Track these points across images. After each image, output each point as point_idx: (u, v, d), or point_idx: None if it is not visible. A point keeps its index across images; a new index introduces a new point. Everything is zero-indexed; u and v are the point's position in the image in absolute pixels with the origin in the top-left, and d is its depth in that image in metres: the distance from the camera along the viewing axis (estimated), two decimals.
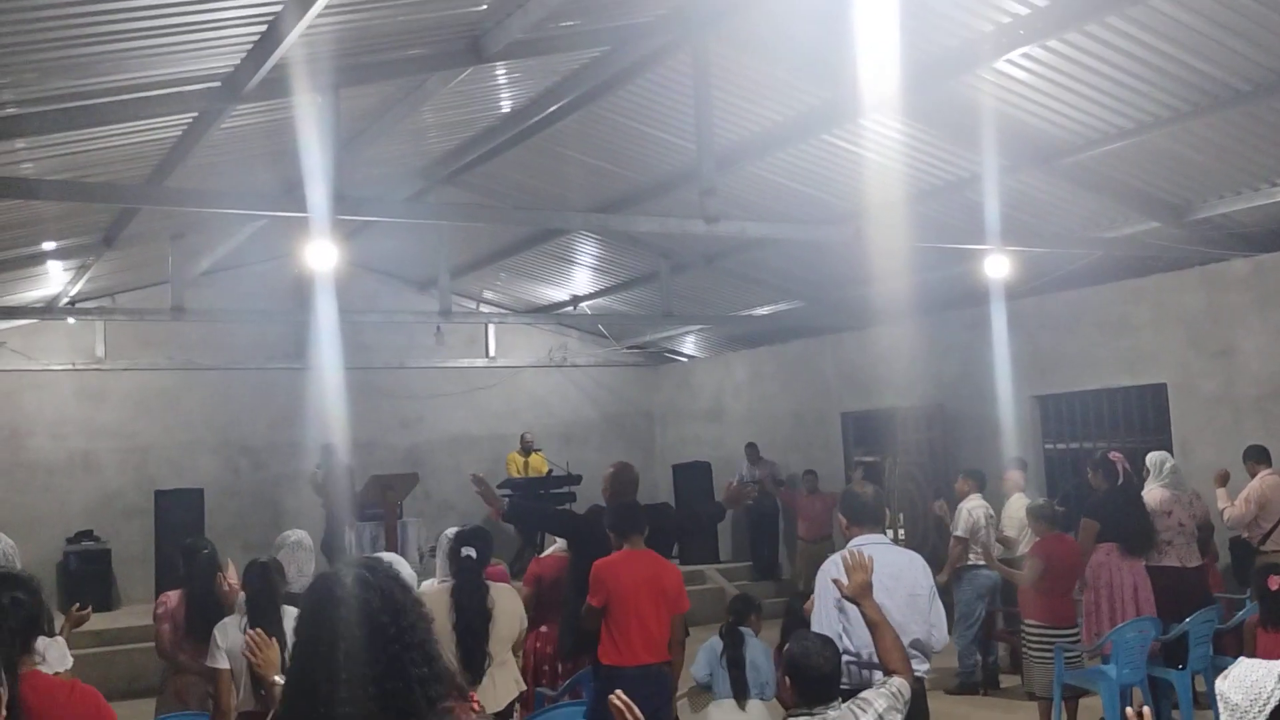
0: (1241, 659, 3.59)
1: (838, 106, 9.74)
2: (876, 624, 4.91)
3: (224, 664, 5.66)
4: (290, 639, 5.55)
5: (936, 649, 5.59)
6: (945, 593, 7.76)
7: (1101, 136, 9.59)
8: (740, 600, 8.39)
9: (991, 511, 10.71)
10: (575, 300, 18.03)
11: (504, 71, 9.84)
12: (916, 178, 11.01)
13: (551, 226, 13.67)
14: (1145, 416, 12.25)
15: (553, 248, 15.65)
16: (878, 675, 4.95)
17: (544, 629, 7.84)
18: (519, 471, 17.50)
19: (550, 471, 17.21)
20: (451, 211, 12.64)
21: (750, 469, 16.87)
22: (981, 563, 10.46)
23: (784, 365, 17.68)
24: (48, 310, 15.30)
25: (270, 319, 16.76)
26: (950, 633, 6.57)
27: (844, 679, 4.92)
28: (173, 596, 6.84)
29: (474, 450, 18.51)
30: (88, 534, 15.97)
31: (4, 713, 2.80)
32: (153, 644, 6.99)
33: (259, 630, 3.93)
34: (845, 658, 5.08)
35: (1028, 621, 8.94)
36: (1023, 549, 10.14)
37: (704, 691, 7.55)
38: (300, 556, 6.75)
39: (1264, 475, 9.75)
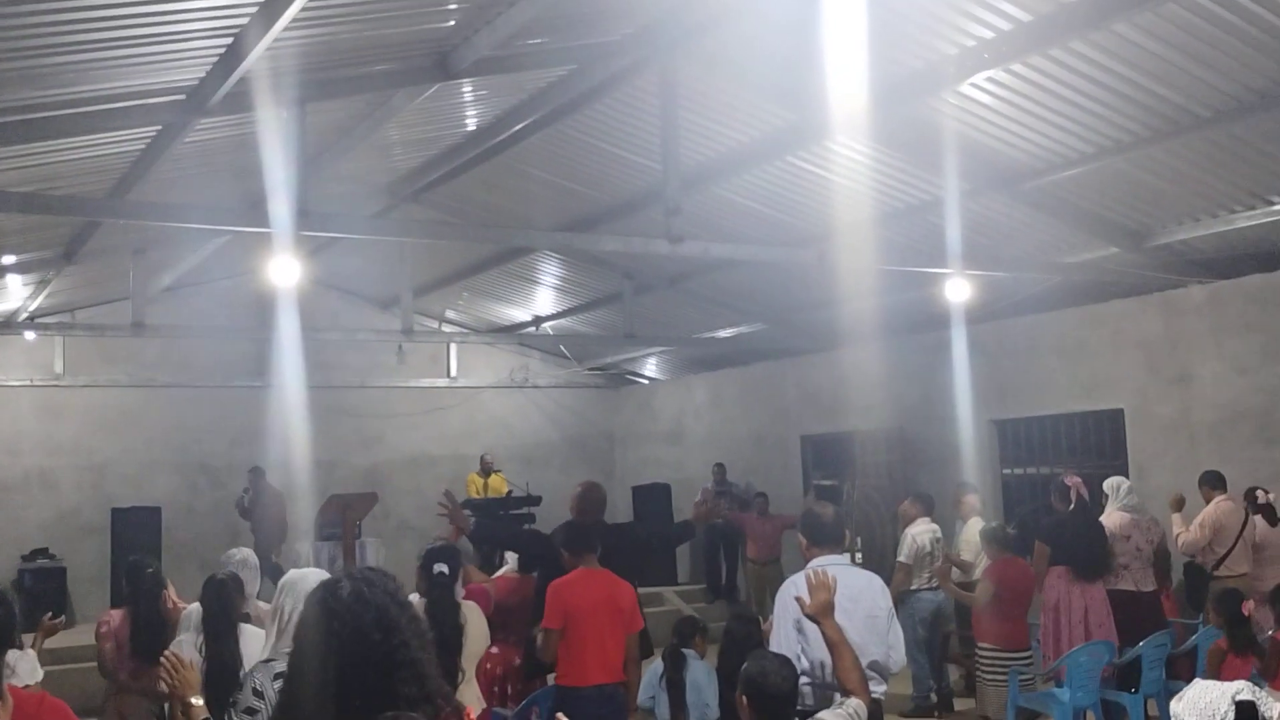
0: (1196, 680, 3.63)
1: (803, 128, 9.78)
2: (836, 644, 4.92)
3: None
4: (244, 657, 5.53)
5: (894, 670, 5.60)
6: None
7: (1062, 161, 9.63)
8: (685, 623, 8.50)
9: (939, 535, 10.71)
10: (537, 320, 18.01)
11: (470, 89, 9.84)
12: (880, 201, 11.04)
13: (516, 244, 13.69)
14: (1102, 441, 12.32)
15: (516, 267, 15.63)
16: (836, 696, 4.96)
17: (494, 649, 7.79)
18: (479, 492, 17.38)
19: (510, 492, 17.13)
20: (416, 228, 12.61)
21: (716, 487, 16.83)
22: (924, 587, 10.49)
23: (745, 388, 17.73)
24: (6, 325, 15.13)
25: (232, 336, 16.68)
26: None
27: (800, 700, 4.91)
28: (115, 615, 6.84)
29: (434, 470, 18.43)
30: (43, 552, 15.82)
31: None
32: None
33: (174, 653, 3.91)
34: (802, 679, 5.08)
35: (982, 645, 8.99)
36: (978, 573, 10.16)
37: (648, 715, 7.60)
38: (245, 575, 6.68)
39: (1219, 501, 9.83)
